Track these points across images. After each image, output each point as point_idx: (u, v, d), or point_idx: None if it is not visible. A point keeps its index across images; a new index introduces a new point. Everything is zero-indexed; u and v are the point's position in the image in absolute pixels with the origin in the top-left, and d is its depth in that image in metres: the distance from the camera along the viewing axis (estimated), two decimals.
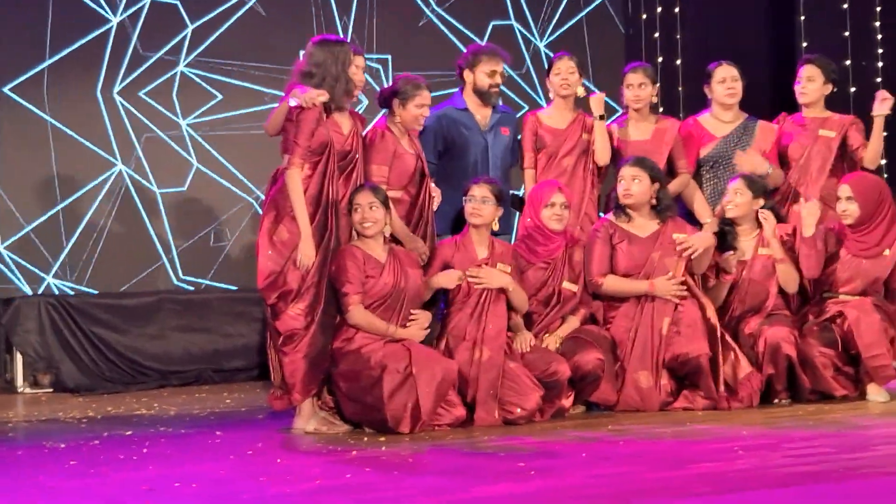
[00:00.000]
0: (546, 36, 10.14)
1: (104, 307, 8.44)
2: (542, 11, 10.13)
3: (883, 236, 6.78)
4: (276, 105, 6.28)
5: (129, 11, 8.83)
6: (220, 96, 9.12)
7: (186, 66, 9.02)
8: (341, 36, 6.71)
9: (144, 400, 7.64)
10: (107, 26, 8.80)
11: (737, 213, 6.84)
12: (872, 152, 7.17)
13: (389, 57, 9.53)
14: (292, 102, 6.08)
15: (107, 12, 8.79)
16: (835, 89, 7.40)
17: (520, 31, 10.06)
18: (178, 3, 9.00)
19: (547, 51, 10.00)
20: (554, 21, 10.17)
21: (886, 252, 6.79)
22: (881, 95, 7.16)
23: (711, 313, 6.62)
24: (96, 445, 5.80)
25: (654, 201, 6.75)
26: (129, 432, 6.20)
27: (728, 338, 6.61)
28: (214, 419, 6.72)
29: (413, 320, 6.26)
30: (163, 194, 8.96)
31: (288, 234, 6.10)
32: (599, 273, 6.69)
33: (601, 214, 7.21)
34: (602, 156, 7.12)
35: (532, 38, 10.09)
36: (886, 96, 7.13)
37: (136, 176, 8.87)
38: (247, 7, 9.17)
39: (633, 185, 6.73)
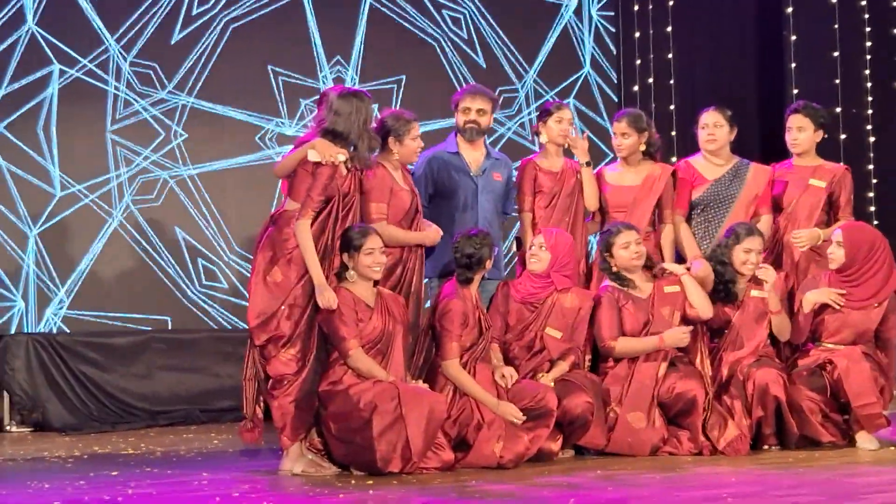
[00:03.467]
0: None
1: (92, 346, 8.42)
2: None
3: (875, 292, 6.76)
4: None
5: None
6: None
7: None
8: (360, 88, 6.72)
9: (131, 440, 7.60)
10: None
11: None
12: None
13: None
14: (312, 157, 6.09)
15: None
16: (825, 136, 7.37)
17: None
18: None
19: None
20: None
21: (875, 305, 6.78)
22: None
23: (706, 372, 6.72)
24: (81, 486, 5.75)
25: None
26: (114, 473, 6.16)
27: (719, 403, 6.64)
28: (201, 460, 6.69)
29: None
30: None
31: (282, 276, 6.09)
32: (611, 337, 6.71)
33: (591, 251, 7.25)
34: (591, 201, 7.15)
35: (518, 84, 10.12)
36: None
37: None
38: None
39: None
